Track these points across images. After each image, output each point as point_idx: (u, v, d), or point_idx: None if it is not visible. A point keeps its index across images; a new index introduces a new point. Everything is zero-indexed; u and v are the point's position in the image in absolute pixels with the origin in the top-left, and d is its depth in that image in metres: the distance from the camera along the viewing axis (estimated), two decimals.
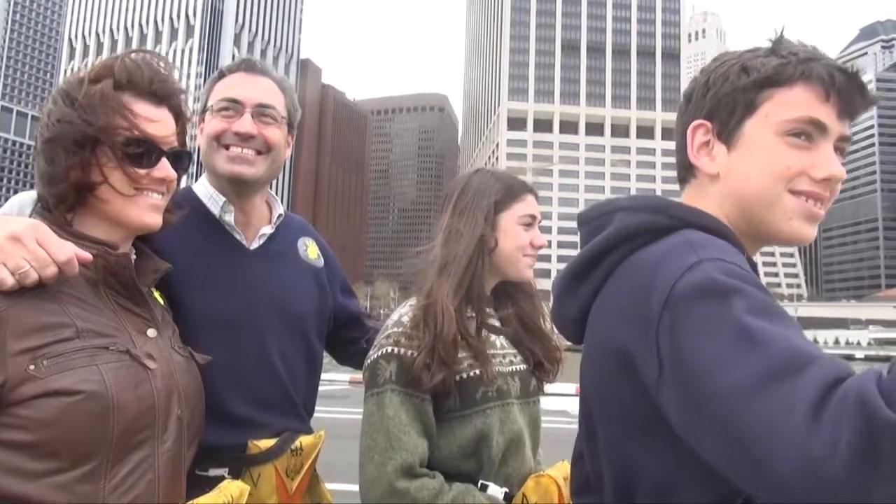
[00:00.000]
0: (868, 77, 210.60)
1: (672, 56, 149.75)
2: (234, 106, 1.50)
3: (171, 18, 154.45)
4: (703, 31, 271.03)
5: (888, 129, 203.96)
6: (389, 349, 1.40)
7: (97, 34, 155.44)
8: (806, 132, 0.89)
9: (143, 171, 1.15)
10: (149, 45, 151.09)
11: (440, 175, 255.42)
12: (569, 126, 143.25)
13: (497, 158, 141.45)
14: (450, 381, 1.39)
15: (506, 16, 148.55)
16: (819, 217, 0.91)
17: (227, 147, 1.50)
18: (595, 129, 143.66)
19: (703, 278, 0.76)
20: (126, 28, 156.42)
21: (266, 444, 1.43)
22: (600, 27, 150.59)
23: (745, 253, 0.89)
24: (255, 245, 1.56)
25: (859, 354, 68.47)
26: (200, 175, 1.62)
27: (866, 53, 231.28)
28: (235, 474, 1.35)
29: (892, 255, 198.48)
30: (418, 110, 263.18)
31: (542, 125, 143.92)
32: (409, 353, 1.39)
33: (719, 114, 0.93)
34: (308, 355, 1.60)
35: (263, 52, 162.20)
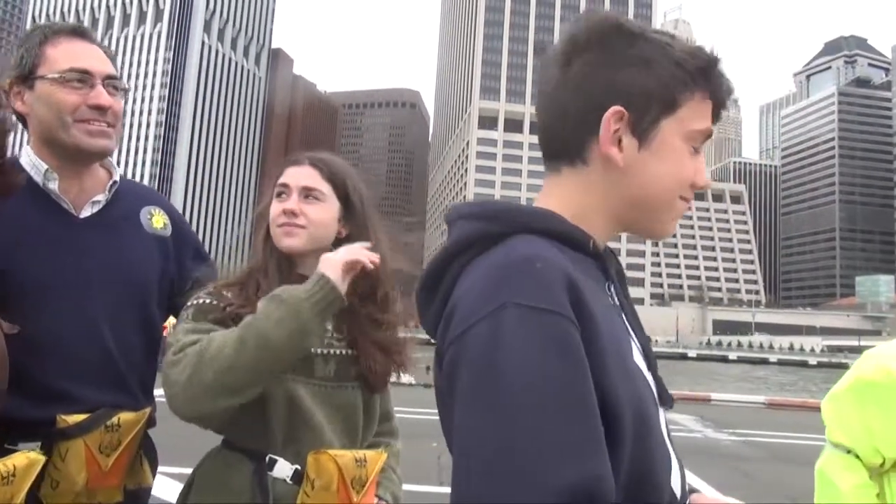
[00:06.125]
0: (830, 90, 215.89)
1: None
2: (85, 77, 1.44)
3: (139, 1, 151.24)
4: None
5: (847, 143, 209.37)
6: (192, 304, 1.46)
7: (62, 14, 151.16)
8: (698, 142, 0.87)
9: None
10: (115, 29, 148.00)
11: (410, 171, 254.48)
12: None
13: (467, 157, 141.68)
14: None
15: (480, 15, 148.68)
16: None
17: (83, 121, 1.44)
18: None
19: (485, 345, 0.72)
20: (93, 9, 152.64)
21: (75, 418, 1.38)
22: None
23: (590, 243, 0.84)
24: (86, 213, 1.51)
25: (812, 361, 70.21)
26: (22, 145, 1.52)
27: (830, 67, 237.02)
28: (48, 449, 1.31)
29: (847, 264, 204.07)
30: (390, 105, 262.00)
31: (513, 125, 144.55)
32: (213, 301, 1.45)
33: (636, 105, 0.84)
34: (145, 325, 1.57)
35: (234, 40, 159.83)
